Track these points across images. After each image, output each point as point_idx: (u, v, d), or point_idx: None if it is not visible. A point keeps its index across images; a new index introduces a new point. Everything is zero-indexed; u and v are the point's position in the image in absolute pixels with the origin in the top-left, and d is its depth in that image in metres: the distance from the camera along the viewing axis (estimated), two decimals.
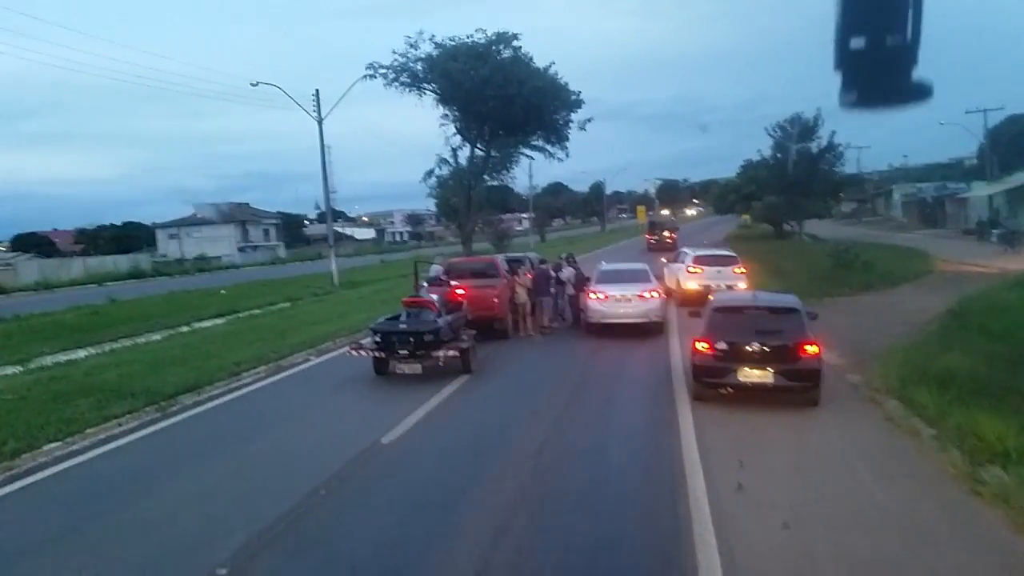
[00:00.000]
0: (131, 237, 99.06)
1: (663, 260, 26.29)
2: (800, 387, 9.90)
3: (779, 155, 53.45)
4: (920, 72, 2.37)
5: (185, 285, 37.77)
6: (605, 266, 19.22)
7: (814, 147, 51.30)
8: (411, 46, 34.63)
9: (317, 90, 30.55)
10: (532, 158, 40.72)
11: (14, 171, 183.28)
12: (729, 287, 20.44)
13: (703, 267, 22.19)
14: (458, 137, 37.92)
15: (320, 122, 30.54)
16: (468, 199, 38.53)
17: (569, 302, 18.87)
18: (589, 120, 39.44)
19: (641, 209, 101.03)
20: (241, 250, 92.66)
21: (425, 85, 35.59)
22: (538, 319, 17.73)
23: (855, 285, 24.27)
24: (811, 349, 9.83)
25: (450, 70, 33.42)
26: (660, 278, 19.18)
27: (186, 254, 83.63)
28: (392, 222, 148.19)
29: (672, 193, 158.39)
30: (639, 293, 16.87)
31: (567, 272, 18.80)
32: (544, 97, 35.49)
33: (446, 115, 37.08)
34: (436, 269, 18.82)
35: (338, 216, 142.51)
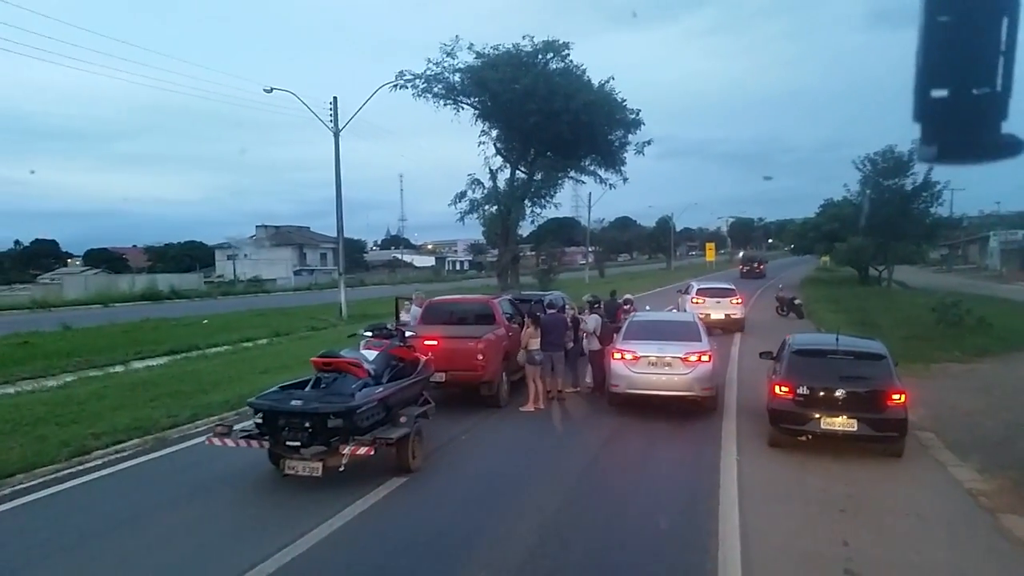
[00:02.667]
0: (191, 256, 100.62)
1: (677, 290, 29.72)
2: (886, 438, 9.49)
3: (868, 191, 47.48)
4: (1011, 125, 2.07)
5: (193, 310, 34.53)
6: (639, 316, 14.63)
7: (908, 184, 45.25)
8: (447, 54, 30.70)
9: (335, 98, 26.99)
10: (583, 182, 36.00)
11: (106, 189, 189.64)
12: (728, 316, 24.24)
13: (704, 298, 25.02)
14: (499, 158, 33.77)
15: (336, 134, 26.83)
16: (505, 226, 34.08)
17: (592, 360, 14.32)
18: (648, 143, 34.77)
19: (710, 246, 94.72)
20: (297, 273, 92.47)
21: (463, 98, 31.59)
22: (544, 384, 13.18)
23: (967, 348, 19.39)
24: (898, 398, 9.43)
25: (487, 80, 29.29)
26: (713, 332, 14.46)
27: (244, 275, 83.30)
28: (455, 251, 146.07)
29: (745, 232, 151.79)
30: (682, 355, 12.17)
31: (592, 321, 14.23)
32: (596, 114, 30.85)
33: (484, 132, 33.11)
34: (415, 311, 14.62)
35: (401, 243, 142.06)
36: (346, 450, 7.72)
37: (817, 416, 9.42)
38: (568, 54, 30.98)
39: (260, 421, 8.21)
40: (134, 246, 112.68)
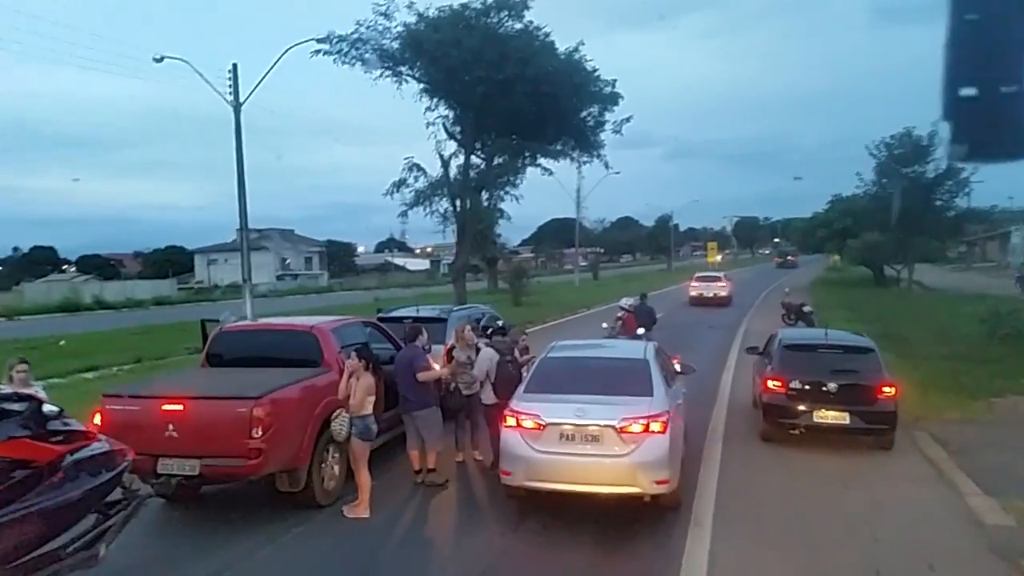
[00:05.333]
0: (172, 261, 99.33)
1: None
2: (877, 430, 9.46)
3: (884, 181, 42.11)
4: None
5: (94, 325, 29.47)
6: (557, 349, 9.27)
7: (929, 172, 39.90)
8: (382, 15, 25.07)
9: (235, 65, 21.69)
10: (549, 170, 30.51)
11: (111, 196, 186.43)
12: (716, 294, 33.89)
13: (700, 282, 35.22)
14: (453, 142, 28.37)
15: (237, 108, 21.75)
16: (460, 223, 28.63)
17: (487, 419, 9.12)
18: (628, 120, 29.40)
19: (713, 245, 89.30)
20: (280, 278, 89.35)
21: (403, 68, 26.24)
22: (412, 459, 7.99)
23: None
24: (888, 391, 9.35)
25: (423, 41, 24.08)
26: (685, 369, 9.37)
27: (224, 280, 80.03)
28: (451, 254, 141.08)
29: (750, 231, 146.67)
30: (617, 423, 6.99)
31: (483, 361, 8.97)
32: (560, 84, 25.59)
33: (430, 109, 27.73)
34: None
35: (396, 247, 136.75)
36: None
37: (810, 409, 9.43)
38: (526, 14, 25.47)
39: None
40: (135, 252, 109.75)
